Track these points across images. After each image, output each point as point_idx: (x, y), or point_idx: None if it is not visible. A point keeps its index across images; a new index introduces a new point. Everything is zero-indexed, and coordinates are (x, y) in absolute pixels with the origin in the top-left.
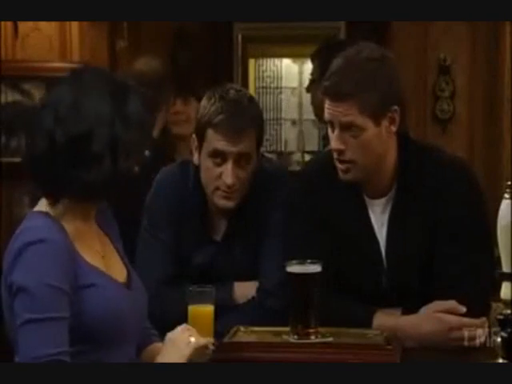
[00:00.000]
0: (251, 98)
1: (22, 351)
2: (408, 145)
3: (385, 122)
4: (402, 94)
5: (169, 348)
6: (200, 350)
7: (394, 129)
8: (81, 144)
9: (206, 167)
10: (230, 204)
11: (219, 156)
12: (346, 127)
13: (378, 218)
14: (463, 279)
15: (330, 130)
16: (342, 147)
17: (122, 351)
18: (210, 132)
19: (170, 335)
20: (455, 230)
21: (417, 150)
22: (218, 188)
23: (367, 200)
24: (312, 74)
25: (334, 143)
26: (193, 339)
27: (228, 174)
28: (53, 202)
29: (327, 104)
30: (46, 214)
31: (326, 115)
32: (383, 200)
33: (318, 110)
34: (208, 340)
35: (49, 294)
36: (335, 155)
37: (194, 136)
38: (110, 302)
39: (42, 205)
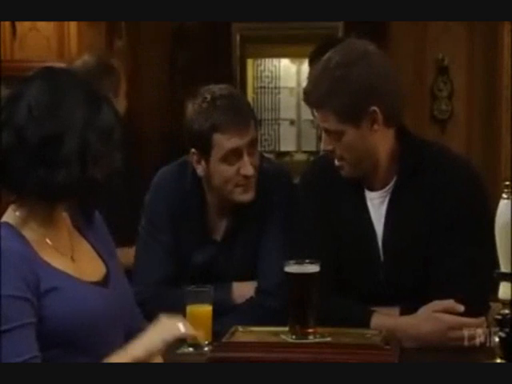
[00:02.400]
0: (235, 89)
1: None
2: (406, 138)
3: (366, 123)
4: (382, 93)
5: (154, 326)
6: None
7: (376, 127)
8: (51, 146)
9: (221, 171)
10: (249, 196)
11: (234, 154)
12: (327, 131)
13: (377, 210)
14: (461, 275)
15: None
16: (329, 148)
17: (102, 353)
18: (217, 136)
19: (163, 317)
20: (453, 224)
21: (416, 143)
22: (237, 185)
23: (366, 192)
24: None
25: (322, 145)
26: (182, 329)
27: (247, 166)
28: (16, 200)
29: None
30: (6, 224)
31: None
32: (382, 192)
33: None
34: (198, 334)
35: (7, 305)
36: (329, 154)
37: (193, 150)
38: (77, 304)
39: (6, 215)
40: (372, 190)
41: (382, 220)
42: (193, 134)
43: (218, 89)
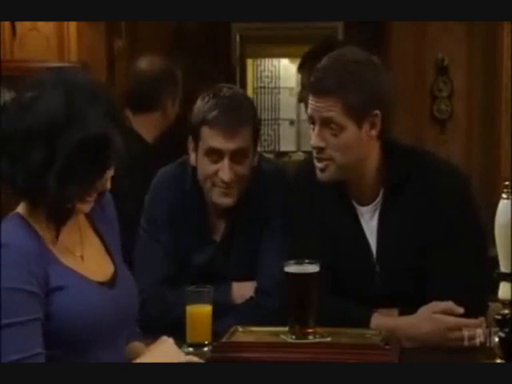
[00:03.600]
0: (244, 95)
1: None
2: (393, 150)
3: (366, 126)
4: (386, 100)
5: (159, 352)
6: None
7: (374, 133)
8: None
9: (203, 165)
10: (228, 201)
11: (215, 153)
12: (327, 123)
13: (368, 223)
14: (458, 281)
15: (311, 129)
16: (321, 144)
17: (106, 354)
18: (205, 129)
19: (164, 339)
20: (447, 232)
21: (403, 154)
22: (214, 184)
23: (356, 206)
24: (302, 83)
25: (314, 140)
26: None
27: (225, 170)
28: None
29: (310, 99)
30: (20, 216)
31: (309, 110)
32: (371, 206)
33: None
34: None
35: (14, 298)
36: (314, 153)
37: (190, 137)
38: (83, 304)
39: (20, 206)
40: (361, 204)
41: (374, 233)
42: (189, 124)
43: (227, 89)
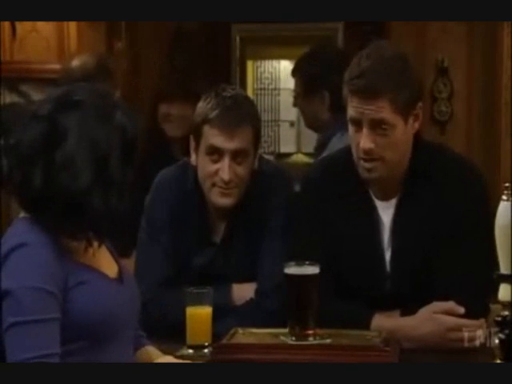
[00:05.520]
0: (246, 96)
1: (9, 355)
2: (421, 145)
3: (410, 120)
4: (423, 90)
5: None
6: None
7: (417, 126)
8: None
9: (203, 164)
10: (228, 202)
11: (216, 152)
12: (376, 125)
13: (385, 220)
14: (463, 283)
15: (353, 130)
16: (372, 146)
17: (116, 350)
18: (206, 128)
19: None
20: (456, 232)
21: (428, 150)
22: (214, 184)
23: (376, 202)
24: (295, 89)
25: (365, 143)
26: None
27: (225, 170)
28: None
29: (355, 103)
30: (28, 218)
31: (354, 114)
32: (392, 202)
33: (310, 121)
34: None
35: (33, 297)
36: (361, 154)
37: (191, 137)
38: (100, 298)
39: (22, 212)
40: (380, 199)
41: (389, 231)
42: (191, 123)
43: (230, 89)
